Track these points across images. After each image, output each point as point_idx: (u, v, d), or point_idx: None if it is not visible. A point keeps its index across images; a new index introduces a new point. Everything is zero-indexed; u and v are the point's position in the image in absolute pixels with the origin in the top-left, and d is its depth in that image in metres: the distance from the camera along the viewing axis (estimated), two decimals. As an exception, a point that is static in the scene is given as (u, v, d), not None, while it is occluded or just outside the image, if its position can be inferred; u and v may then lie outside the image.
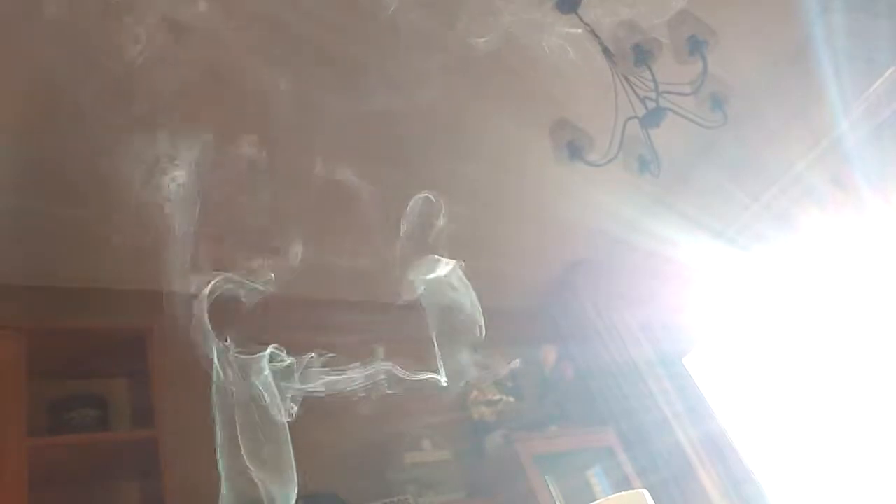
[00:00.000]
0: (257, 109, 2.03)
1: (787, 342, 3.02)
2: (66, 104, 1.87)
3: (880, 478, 2.62)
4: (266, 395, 0.93)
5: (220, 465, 0.87)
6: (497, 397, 3.01)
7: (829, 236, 2.80)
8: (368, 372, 1.01)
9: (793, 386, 2.97)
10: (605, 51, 2.02)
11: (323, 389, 0.97)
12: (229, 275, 1.11)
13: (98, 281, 2.47)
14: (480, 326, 1.05)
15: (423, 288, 1.05)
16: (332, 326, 1.93)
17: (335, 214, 2.38)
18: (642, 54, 1.86)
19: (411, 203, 1.29)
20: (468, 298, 1.05)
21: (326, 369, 1.00)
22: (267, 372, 0.94)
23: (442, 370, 0.96)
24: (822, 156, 2.79)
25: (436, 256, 1.09)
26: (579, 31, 2.07)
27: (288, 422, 0.94)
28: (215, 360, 0.95)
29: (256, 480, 0.85)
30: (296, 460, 0.97)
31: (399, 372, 1.02)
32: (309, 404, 0.95)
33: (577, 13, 2.10)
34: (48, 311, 2.32)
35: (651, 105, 1.99)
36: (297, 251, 1.73)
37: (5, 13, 1.63)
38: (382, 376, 1.02)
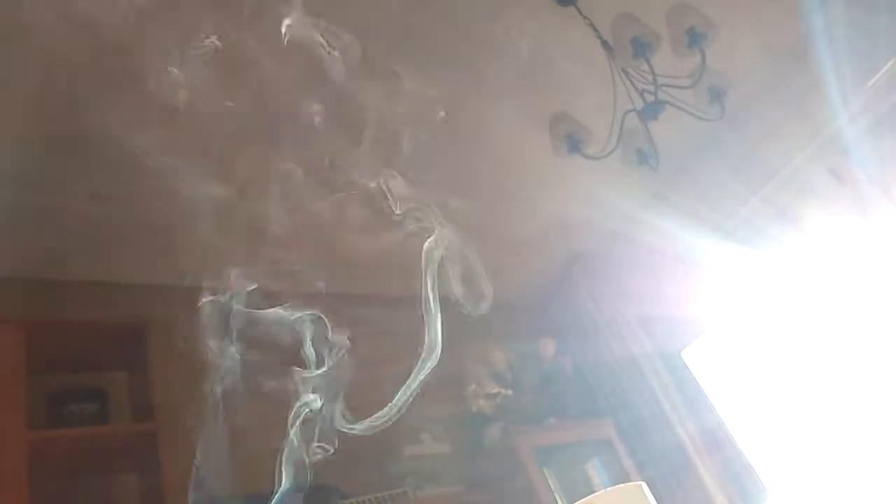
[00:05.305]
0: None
1: (787, 336, 3.03)
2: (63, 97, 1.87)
3: (879, 471, 2.63)
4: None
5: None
6: (495, 390, 3.01)
7: (828, 229, 2.80)
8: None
9: (792, 379, 2.98)
10: (604, 44, 2.02)
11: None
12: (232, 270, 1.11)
13: (98, 273, 2.47)
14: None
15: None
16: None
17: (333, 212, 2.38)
18: (641, 47, 1.86)
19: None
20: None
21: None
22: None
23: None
24: (820, 149, 2.79)
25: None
26: (578, 24, 2.07)
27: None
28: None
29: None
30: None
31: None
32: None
33: (575, 6, 2.10)
34: (47, 303, 2.32)
35: (650, 98, 1.99)
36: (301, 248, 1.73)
37: None
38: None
